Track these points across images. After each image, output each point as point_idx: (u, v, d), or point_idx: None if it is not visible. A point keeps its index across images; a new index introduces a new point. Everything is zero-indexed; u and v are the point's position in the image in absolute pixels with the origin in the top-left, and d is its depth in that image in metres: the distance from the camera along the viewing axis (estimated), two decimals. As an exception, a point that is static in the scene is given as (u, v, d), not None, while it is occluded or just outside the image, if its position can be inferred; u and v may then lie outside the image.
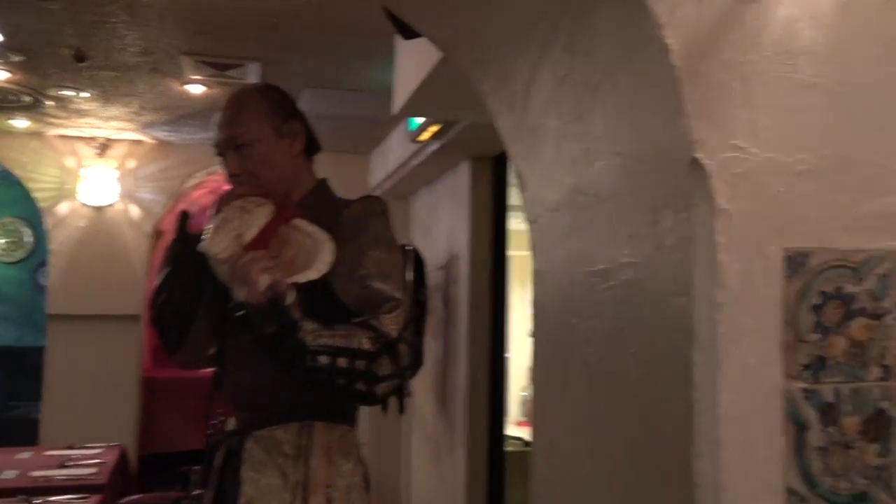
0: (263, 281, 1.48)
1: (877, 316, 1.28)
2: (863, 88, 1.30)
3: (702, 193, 1.23)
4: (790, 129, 1.26)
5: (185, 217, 1.76)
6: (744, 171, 1.24)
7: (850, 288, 1.27)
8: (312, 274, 1.56)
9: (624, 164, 1.41)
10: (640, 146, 1.36)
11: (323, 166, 1.90)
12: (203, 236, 1.62)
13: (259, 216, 1.60)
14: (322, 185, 1.86)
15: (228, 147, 1.74)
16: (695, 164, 1.22)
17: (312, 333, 1.53)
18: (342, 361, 1.53)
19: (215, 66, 3.98)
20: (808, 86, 1.27)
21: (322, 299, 1.59)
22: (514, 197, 4.31)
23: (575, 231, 1.61)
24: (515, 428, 4.95)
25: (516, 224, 4.33)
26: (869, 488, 1.25)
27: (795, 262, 1.25)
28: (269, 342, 1.53)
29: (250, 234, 1.58)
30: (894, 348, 1.28)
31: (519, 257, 4.50)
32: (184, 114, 4.98)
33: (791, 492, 1.22)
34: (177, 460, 4.53)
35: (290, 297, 1.51)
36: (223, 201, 1.66)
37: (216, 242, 1.58)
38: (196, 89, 4.39)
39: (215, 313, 1.72)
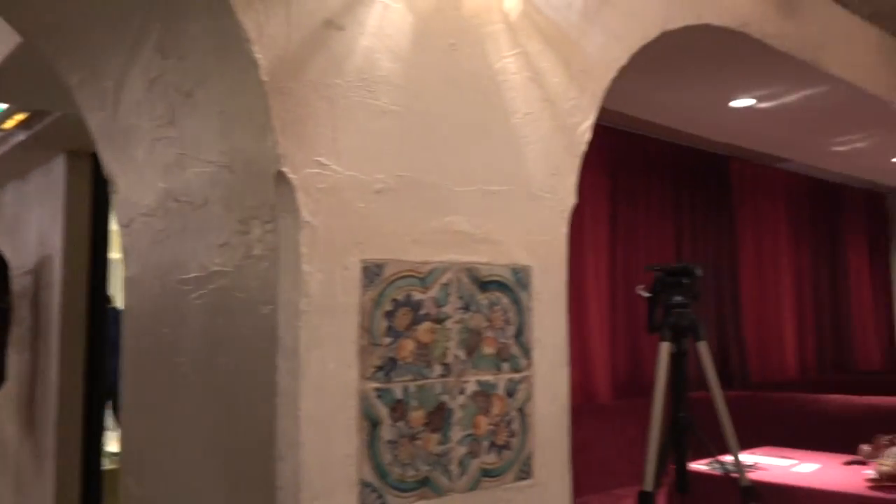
0: None
1: (440, 320, 1.45)
2: (431, 118, 1.47)
3: (287, 206, 1.28)
4: (369, 151, 1.38)
5: None
6: (327, 186, 1.32)
7: (417, 296, 1.42)
8: None
9: (216, 173, 1.41)
10: (231, 156, 1.37)
11: None
12: None
13: None
14: None
15: None
16: (281, 177, 1.27)
17: None
18: None
19: None
20: (385, 112, 1.40)
21: None
22: (117, 197, 4.03)
23: (168, 237, 1.56)
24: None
25: (120, 226, 4.06)
26: (430, 473, 1.42)
27: (372, 272, 1.36)
28: None
29: None
30: (453, 348, 1.47)
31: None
32: None
33: (364, 484, 1.32)
34: None
35: None
36: None
37: None
38: None
39: None
